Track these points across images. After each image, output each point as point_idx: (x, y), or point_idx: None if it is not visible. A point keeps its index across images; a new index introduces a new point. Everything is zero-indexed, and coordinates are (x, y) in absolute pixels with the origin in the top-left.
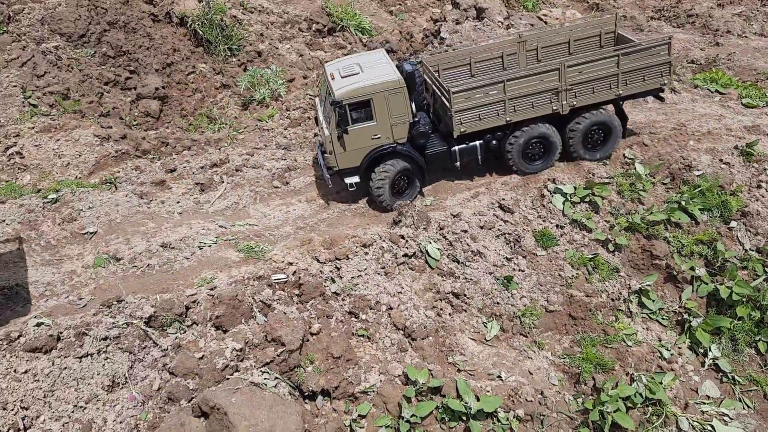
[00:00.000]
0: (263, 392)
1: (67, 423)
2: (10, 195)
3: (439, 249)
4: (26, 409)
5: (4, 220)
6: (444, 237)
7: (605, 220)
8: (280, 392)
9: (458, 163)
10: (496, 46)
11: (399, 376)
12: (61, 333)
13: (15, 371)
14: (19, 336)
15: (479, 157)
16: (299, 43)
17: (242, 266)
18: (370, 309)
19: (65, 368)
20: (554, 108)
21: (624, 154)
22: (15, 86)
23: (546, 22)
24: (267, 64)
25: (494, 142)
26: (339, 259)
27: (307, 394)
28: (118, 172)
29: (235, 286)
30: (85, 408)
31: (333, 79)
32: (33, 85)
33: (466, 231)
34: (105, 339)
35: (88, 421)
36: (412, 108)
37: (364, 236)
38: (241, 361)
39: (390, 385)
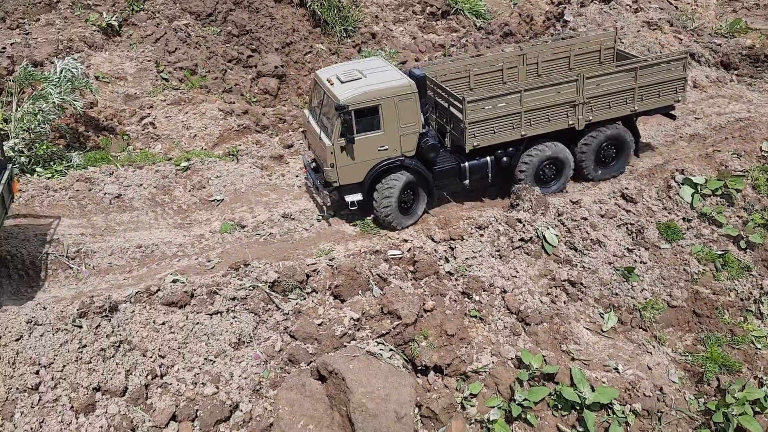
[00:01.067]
0: (379, 362)
1: (198, 374)
2: (145, 162)
3: (556, 235)
4: (163, 357)
5: (141, 184)
6: (562, 223)
7: (737, 216)
8: (394, 363)
9: (467, 181)
10: (496, 58)
11: (512, 359)
12: (194, 290)
13: (154, 322)
14: (157, 290)
15: (490, 175)
16: (412, 25)
17: (358, 240)
18: (484, 291)
19: (197, 323)
20: (570, 123)
21: (761, 147)
22: (150, 60)
23: (677, 7)
24: (381, 46)
25: (505, 158)
26: (453, 240)
27: (419, 368)
28: (240, 145)
29: (353, 259)
30: (214, 362)
31: (332, 84)
32: (165, 60)
33: (585, 218)
34: (233, 299)
35: (216, 374)
36: (421, 118)
37: (479, 218)
38: (358, 330)
39: (503, 367)
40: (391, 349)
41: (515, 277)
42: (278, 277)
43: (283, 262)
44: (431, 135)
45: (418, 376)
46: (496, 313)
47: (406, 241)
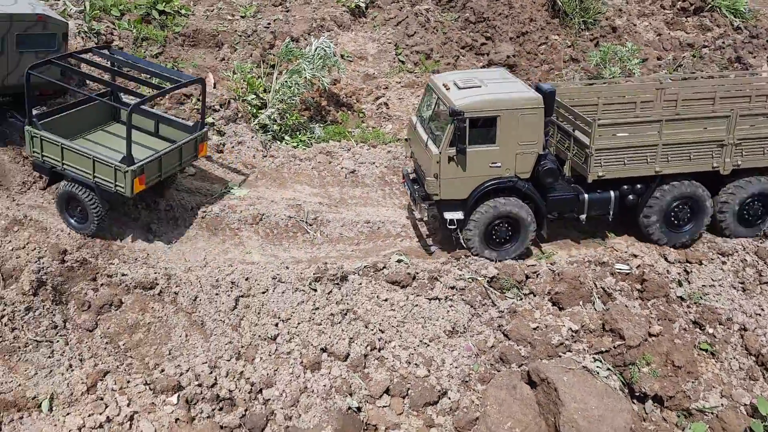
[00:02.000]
0: (595, 380)
1: (412, 354)
2: (377, 140)
3: None
4: (382, 332)
5: (374, 162)
6: None
7: None
8: (611, 384)
9: (584, 216)
10: (630, 87)
11: (745, 405)
12: (417, 273)
13: (377, 297)
14: (383, 267)
15: (611, 212)
16: (658, 21)
17: (582, 248)
18: (720, 324)
19: (416, 305)
20: (715, 165)
21: None
22: (390, 43)
23: None
24: (621, 41)
25: (632, 196)
26: (690, 263)
27: (637, 394)
28: None
29: (576, 267)
30: (428, 345)
31: (448, 89)
32: (404, 44)
33: None
34: (452, 288)
35: (429, 357)
36: (542, 140)
37: (723, 243)
38: (575, 342)
39: (733, 412)
40: (608, 369)
41: (759, 315)
42: (497, 274)
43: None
44: (550, 158)
45: (633, 402)
46: (731, 351)
47: (635, 256)
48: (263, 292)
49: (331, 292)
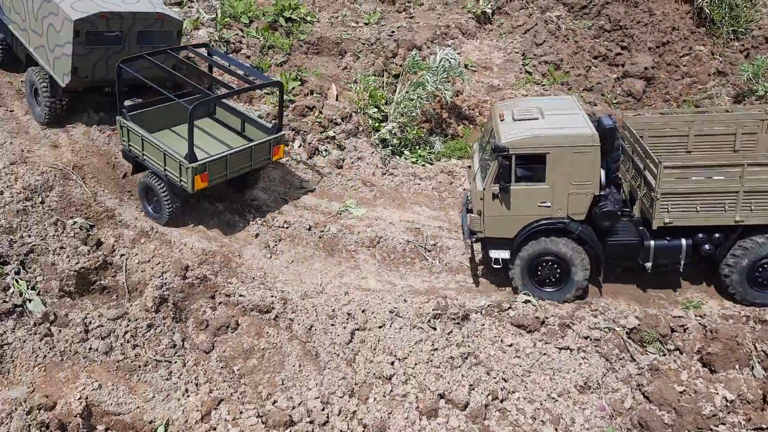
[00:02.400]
0: None
1: (538, 409)
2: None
3: None
4: (506, 381)
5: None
6: None
7: None
8: None
9: (650, 264)
10: (728, 119)
11: None
12: (546, 318)
13: (501, 341)
14: (509, 308)
15: (682, 262)
16: None
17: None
18: None
19: (544, 354)
20: None
21: None
22: (517, 52)
23: None
24: None
25: (708, 246)
26: None
27: None
28: None
29: (732, 324)
30: (556, 400)
31: (502, 120)
32: (531, 53)
33: None
34: (586, 338)
35: (557, 414)
36: (601, 177)
37: None
38: (729, 413)
39: None
40: None
41: None
42: (638, 324)
43: (644, 307)
44: (613, 199)
45: None
46: None
47: None
48: (380, 327)
49: (451, 332)
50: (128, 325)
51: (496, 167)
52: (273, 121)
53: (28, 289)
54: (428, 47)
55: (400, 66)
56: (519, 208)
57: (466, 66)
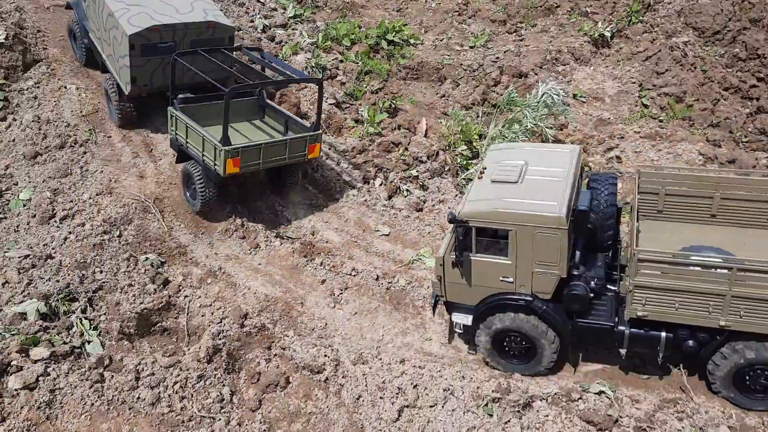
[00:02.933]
0: None
1: None
2: None
3: None
4: None
5: None
6: None
7: None
8: None
9: (624, 351)
10: (745, 183)
11: None
12: (621, 418)
13: None
14: (579, 398)
15: (660, 355)
16: None
17: None
18: None
19: None
20: None
21: None
22: (633, 82)
23: None
24: None
25: (691, 343)
26: None
27: None
28: None
29: None
30: None
31: (480, 178)
32: (650, 83)
33: None
34: None
35: None
36: (574, 259)
37: None
38: None
39: None
40: None
41: None
42: None
43: (743, 414)
44: (586, 281)
45: None
46: None
47: None
48: (431, 406)
49: (509, 421)
50: (179, 375)
51: (454, 237)
52: (312, 122)
53: (89, 329)
54: (535, 74)
55: (501, 95)
56: (480, 280)
57: (574, 96)
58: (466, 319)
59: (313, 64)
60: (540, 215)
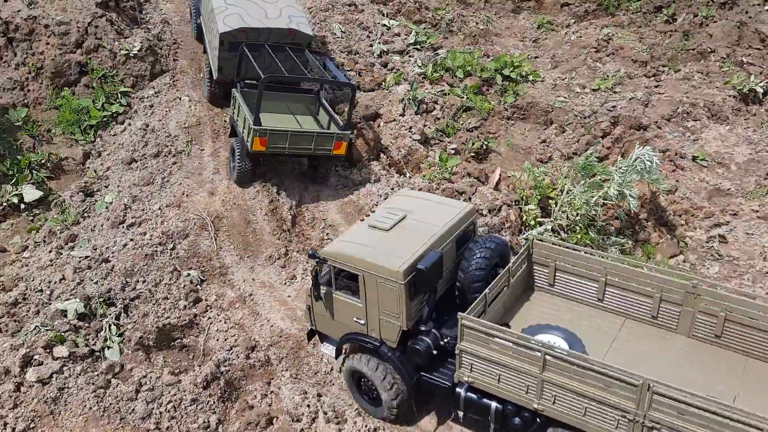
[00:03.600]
0: None
1: None
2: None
3: None
4: None
5: None
6: None
7: None
8: None
9: (461, 413)
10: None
11: None
12: None
13: None
14: None
15: (492, 425)
16: None
17: None
18: None
19: None
20: None
21: None
22: None
23: None
24: None
25: (517, 420)
26: None
27: None
28: None
29: None
30: None
31: (361, 220)
32: None
33: None
34: None
35: None
36: (421, 314)
37: None
38: None
39: None
40: None
41: None
42: None
43: None
44: (433, 337)
45: None
46: None
47: None
48: None
49: None
50: (176, 395)
51: (312, 272)
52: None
53: (115, 335)
54: (658, 127)
55: (608, 149)
56: (340, 316)
57: (694, 158)
58: (331, 351)
59: (410, 97)
60: (381, 266)
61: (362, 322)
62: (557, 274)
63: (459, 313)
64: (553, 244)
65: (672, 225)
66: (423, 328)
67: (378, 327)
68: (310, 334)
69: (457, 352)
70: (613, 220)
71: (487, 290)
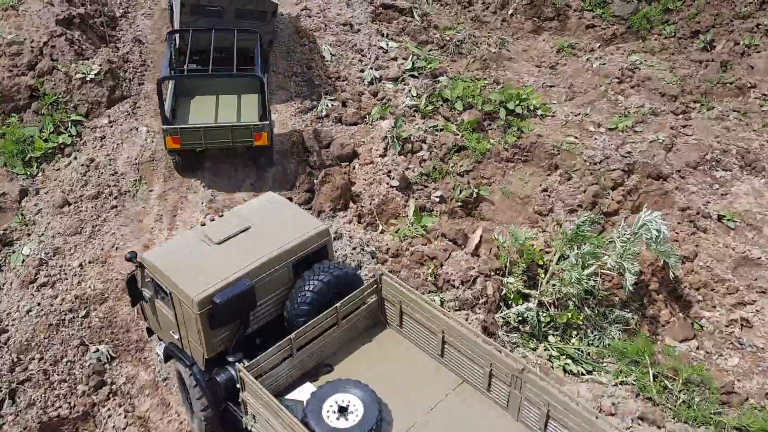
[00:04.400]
0: None
1: None
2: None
3: None
4: None
5: None
6: None
7: None
8: None
9: None
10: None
11: None
12: None
13: None
14: None
15: None
16: None
17: None
18: None
19: None
20: None
21: None
22: None
23: None
24: None
25: None
26: None
27: None
28: None
29: None
30: None
31: (202, 224)
32: None
33: None
34: None
35: None
36: (233, 343)
37: None
38: None
39: None
40: None
41: None
42: None
43: None
44: (234, 370)
45: None
46: None
47: None
48: None
49: None
50: None
51: (127, 276)
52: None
53: None
54: (681, 177)
55: (618, 203)
56: (162, 324)
57: (719, 218)
58: (161, 352)
59: (394, 134)
60: (181, 290)
61: (177, 336)
62: (404, 316)
63: (238, 364)
64: (398, 284)
65: (687, 301)
66: (231, 359)
67: (189, 347)
68: (149, 331)
69: (240, 400)
70: (617, 289)
71: (293, 335)
